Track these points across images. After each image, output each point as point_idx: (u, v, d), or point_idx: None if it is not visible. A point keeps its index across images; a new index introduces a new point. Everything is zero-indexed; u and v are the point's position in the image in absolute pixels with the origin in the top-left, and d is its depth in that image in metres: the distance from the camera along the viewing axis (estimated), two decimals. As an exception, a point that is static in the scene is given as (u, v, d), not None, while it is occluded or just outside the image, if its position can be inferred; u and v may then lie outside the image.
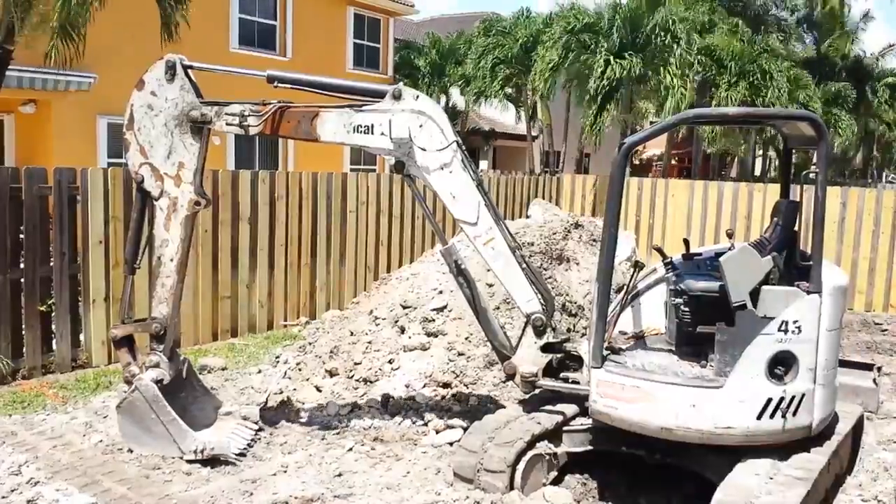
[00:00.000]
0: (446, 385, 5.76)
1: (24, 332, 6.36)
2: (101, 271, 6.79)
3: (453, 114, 26.37)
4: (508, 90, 21.88)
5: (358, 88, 4.85)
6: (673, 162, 31.25)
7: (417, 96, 4.58)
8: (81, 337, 6.80)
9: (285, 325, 8.54)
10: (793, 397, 4.03)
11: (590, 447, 4.58)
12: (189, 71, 4.82)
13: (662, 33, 15.36)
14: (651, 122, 20.26)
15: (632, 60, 15.14)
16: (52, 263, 6.55)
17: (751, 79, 19.54)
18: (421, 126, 4.55)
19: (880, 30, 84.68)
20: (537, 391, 4.76)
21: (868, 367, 5.84)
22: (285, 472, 4.74)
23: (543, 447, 4.44)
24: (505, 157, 30.01)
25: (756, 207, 11.55)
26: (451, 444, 5.06)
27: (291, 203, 8.58)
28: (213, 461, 4.77)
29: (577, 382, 4.69)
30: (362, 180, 9.56)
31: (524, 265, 4.69)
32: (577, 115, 18.57)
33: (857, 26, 30.63)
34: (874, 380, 5.67)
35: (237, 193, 7.96)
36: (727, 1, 23.69)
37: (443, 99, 25.77)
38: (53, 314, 6.60)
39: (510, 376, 4.79)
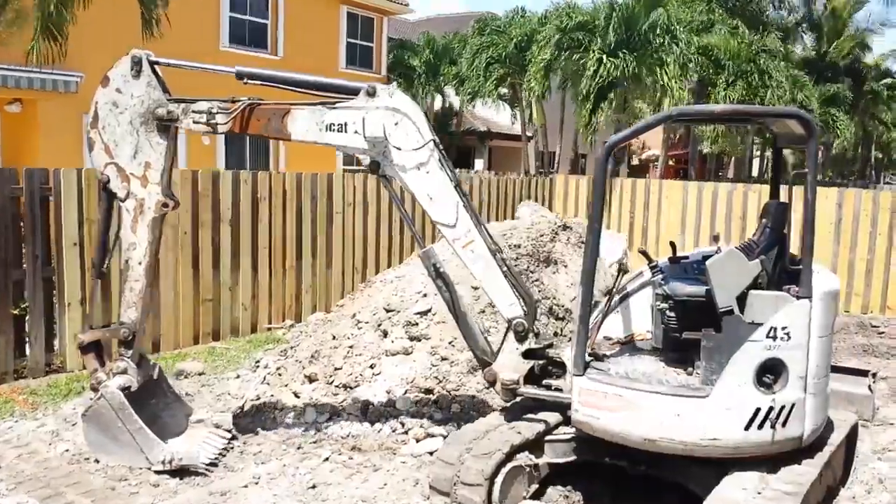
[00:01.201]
0: (429, 391, 5.58)
1: (-5, 337, 6.18)
2: (76, 274, 6.61)
3: (448, 114, 26.23)
4: (503, 90, 21.72)
5: (331, 85, 4.63)
6: (670, 163, 31.10)
7: (392, 93, 4.38)
8: (56, 341, 6.62)
9: (269, 329, 8.37)
10: (782, 407, 3.85)
11: (572, 458, 4.41)
12: (156, 67, 4.65)
13: (659, 32, 15.20)
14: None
15: (626, 59, 14.98)
16: (24, 266, 6.37)
17: (749, 79, 19.39)
18: (396, 124, 4.34)
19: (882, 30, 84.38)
20: (518, 399, 4.58)
21: (863, 373, 5.68)
22: (257, 483, 4.57)
23: (524, 458, 4.25)
24: (500, 158, 29.85)
25: (751, 208, 11.37)
26: (430, 453, 4.87)
27: (275, 204, 8.40)
28: (181, 472, 4.61)
29: (560, 390, 4.47)
30: (348, 181, 9.38)
31: (505, 268, 4.50)
32: (572, 116, 18.41)
33: (865, 29, 30.33)
34: (869, 386, 5.51)
35: (218, 194, 7.78)
36: (725, 0, 23.54)
37: (438, 99, 25.62)
38: (27, 318, 6.43)
39: (491, 383, 4.59)
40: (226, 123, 4.55)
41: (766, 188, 11.54)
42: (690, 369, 4.14)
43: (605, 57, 14.94)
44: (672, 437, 3.85)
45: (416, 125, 4.35)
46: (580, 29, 15.45)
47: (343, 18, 18.70)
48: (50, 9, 8.32)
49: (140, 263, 4.68)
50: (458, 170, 12.07)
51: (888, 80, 30.96)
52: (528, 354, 4.50)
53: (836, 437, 4.38)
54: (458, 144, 26.46)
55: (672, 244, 5.14)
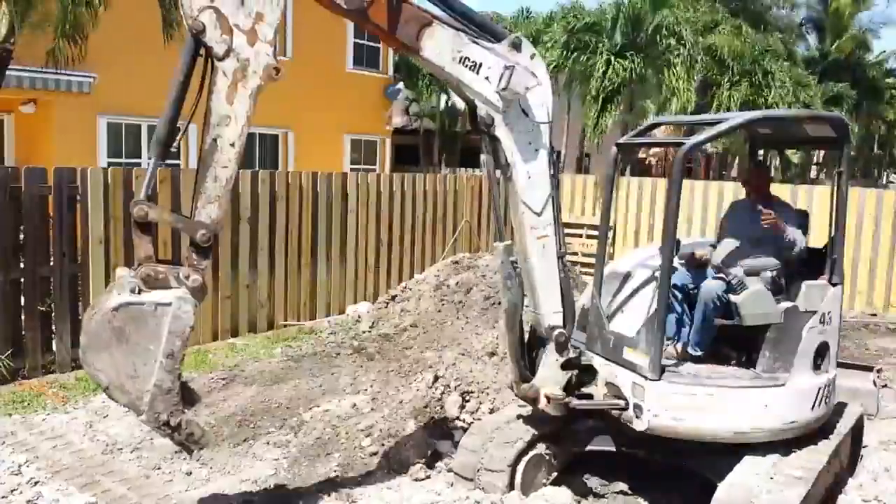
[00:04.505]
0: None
1: (24, 332, 6.35)
2: (102, 271, 6.79)
3: (453, 113, 26.32)
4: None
5: (477, 18, 4.05)
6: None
7: (533, 55, 4.05)
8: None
9: (286, 325, 8.54)
10: (827, 385, 4.31)
11: (590, 447, 4.57)
12: None
13: (666, 34, 15.31)
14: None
15: (633, 60, 15.10)
16: (51, 263, 6.55)
17: (752, 79, 19.51)
18: (529, 88, 3.97)
19: (883, 30, 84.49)
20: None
21: (868, 368, 5.84)
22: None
23: (544, 447, 4.43)
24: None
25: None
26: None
27: (291, 203, 8.57)
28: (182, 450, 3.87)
29: (591, 396, 4.49)
30: (363, 180, 9.56)
31: (563, 274, 4.31)
32: (578, 116, 18.54)
33: (867, 29, 30.45)
34: (874, 381, 5.67)
35: (237, 193, 7.95)
36: (729, 0, 23.67)
37: (443, 99, 25.74)
38: (53, 314, 6.60)
39: (532, 400, 4.37)
40: None
41: (772, 187, 11.73)
42: (744, 362, 4.43)
43: (612, 58, 15.07)
44: (761, 427, 4.12)
45: (547, 99, 4.09)
46: (588, 30, 15.59)
47: (350, 19, 18.86)
48: (72, 10, 8.46)
49: (233, 145, 3.66)
50: (464, 169, 12.26)
51: (890, 80, 31.06)
52: (565, 365, 4.35)
53: (843, 427, 4.58)
54: (463, 144, 26.58)
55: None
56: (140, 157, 13.55)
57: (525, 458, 4.29)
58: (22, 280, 6.33)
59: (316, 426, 5.37)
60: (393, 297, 8.92)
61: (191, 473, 4.68)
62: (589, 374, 4.50)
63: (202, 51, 3.57)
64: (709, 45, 18.68)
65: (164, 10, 9.47)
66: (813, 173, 31.29)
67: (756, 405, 4.09)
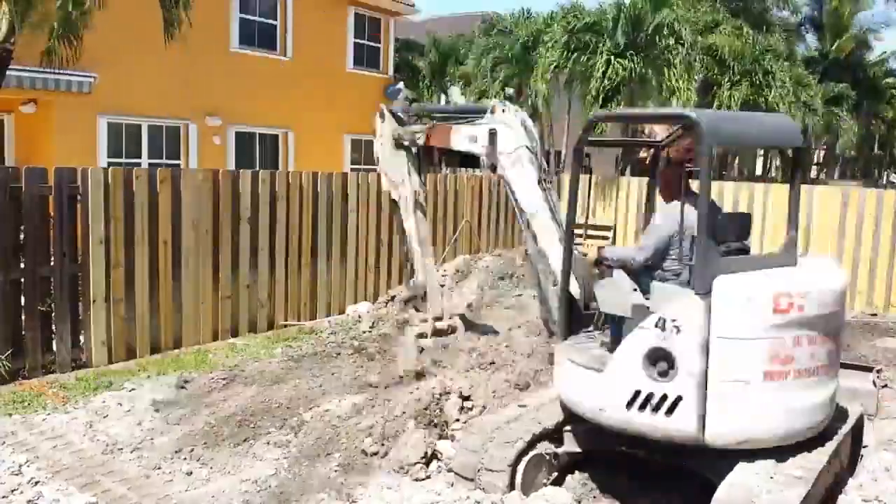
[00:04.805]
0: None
1: (24, 332, 6.36)
2: (102, 271, 6.79)
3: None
4: (509, 90, 21.85)
5: (469, 108, 7.09)
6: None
7: (503, 109, 5.76)
8: (81, 337, 6.79)
9: (286, 325, 8.54)
10: (662, 397, 4.02)
11: (590, 447, 4.58)
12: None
13: (666, 34, 15.31)
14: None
15: (634, 60, 15.10)
16: (52, 263, 6.55)
17: (753, 78, 19.49)
18: (496, 133, 5.69)
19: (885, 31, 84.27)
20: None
21: (867, 368, 5.84)
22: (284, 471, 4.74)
23: (544, 447, 4.43)
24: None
25: (756, 206, 11.52)
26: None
27: (292, 203, 8.58)
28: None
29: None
30: (363, 180, 9.56)
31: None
32: (578, 116, 18.53)
33: (867, 29, 30.40)
34: (873, 382, 5.67)
35: (237, 193, 7.96)
36: (729, 0, 23.64)
37: (443, 98, 25.75)
38: (53, 314, 6.60)
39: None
40: (423, 137, 6.50)
41: (774, 187, 11.75)
42: None
43: (613, 58, 15.07)
44: (580, 402, 4.40)
45: (514, 131, 5.63)
46: (588, 30, 15.58)
47: (350, 19, 18.82)
48: (70, 11, 8.44)
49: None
50: (465, 170, 12.27)
51: (890, 80, 31.03)
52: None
53: (844, 428, 4.57)
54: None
55: None
56: (140, 157, 13.55)
57: (525, 458, 4.30)
58: (22, 280, 6.33)
59: (316, 426, 5.37)
60: (392, 298, 8.93)
61: (191, 473, 4.69)
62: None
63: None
64: (709, 45, 18.66)
65: (164, 11, 9.45)
66: (813, 173, 31.29)
67: (581, 384, 4.30)
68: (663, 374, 3.94)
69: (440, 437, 5.07)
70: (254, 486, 4.53)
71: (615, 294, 4.49)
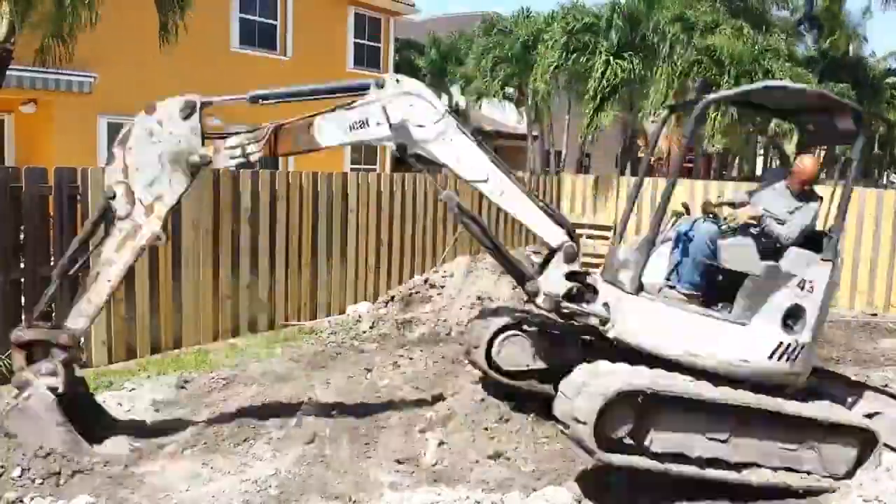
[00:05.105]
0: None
1: (24, 332, 6.34)
2: (102, 271, 6.77)
3: (455, 113, 26.31)
4: (509, 90, 21.86)
5: (343, 87, 4.98)
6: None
7: (400, 79, 4.74)
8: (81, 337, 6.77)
9: (286, 325, 8.54)
10: (795, 346, 4.73)
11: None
12: (202, 113, 4.74)
13: (663, 34, 15.33)
14: (651, 122, 20.24)
15: (632, 60, 15.11)
16: (52, 263, 6.54)
17: (753, 78, 19.46)
18: (412, 105, 4.71)
19: (885, 30, 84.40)
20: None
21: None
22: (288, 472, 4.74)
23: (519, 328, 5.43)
24: (507, 157, 29.44)
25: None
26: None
27: (292, 203, 8.58)
28: None
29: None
30: (363, 180, 9.56)
31: (542, 203, 4.99)
32: (578, 116, 18.54)
33: (857, 25, 30.51)
34: None
35: (238, 193, 7.96)
36: (729, 0, 23.59)
37: (444, 98, 25.73)
38: (53, 314, 6.58)
39: (532, 295, 4.99)
40: (258, 151, 4.78)
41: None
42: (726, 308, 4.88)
43: (611, 59, 15.08)
44: (713, 354, 4.65)
45: (429, 101, 4.75)
46: (587, 30, 15.60)
47: (351, 19, 18.87)
48: (68, 11, 8.45)
49: (109, 282, 4.73)
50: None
51: (891, 80, 31.02)
52: (570, 276, 4.92)
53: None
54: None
55: (685, 205, 5.93)
56: (140, 157, 13.54)
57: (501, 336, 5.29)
58: (22, 280, 6.32)
59: (316, 426, 5.37)
60: (392, 298, 8.93)
61: (191, 473, 4.67)
62: (591, 292, 5.01)
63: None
64: (708, 46, 18.66)
65: (161, 15, 9.45)
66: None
67: (710, 334, 4.55)
68: (795, 327, 4.63)
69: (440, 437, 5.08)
70: (254, 486, 4.52)
71: (743, 254, 4.84)
